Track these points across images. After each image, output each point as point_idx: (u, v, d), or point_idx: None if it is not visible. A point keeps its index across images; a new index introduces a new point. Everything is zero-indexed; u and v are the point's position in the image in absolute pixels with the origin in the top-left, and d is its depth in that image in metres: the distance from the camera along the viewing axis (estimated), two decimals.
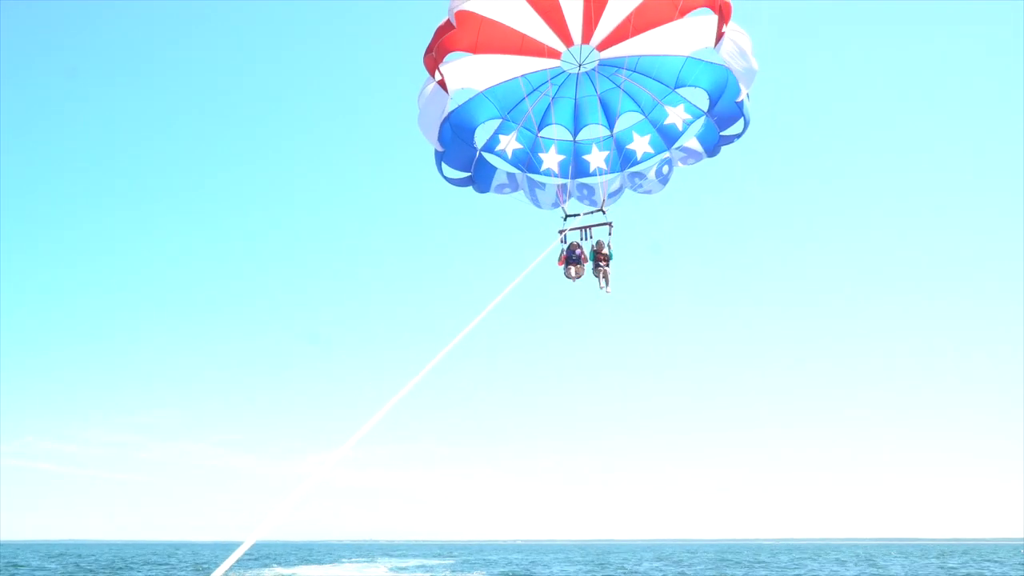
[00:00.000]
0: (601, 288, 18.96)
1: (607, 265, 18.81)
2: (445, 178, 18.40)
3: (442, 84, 16.76)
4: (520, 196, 18.97)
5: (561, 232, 18.73)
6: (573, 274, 18.79)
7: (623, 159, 18.92)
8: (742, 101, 17.03)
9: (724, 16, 16.23)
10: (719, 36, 16.21)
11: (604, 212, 18.72)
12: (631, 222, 20.02)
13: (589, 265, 18.99)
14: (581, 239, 18.93)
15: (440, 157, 17.94)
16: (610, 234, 18.84)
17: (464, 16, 16.24)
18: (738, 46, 16.38)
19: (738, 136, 17.81)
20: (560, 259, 18.83)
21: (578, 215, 18.79)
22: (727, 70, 16.69)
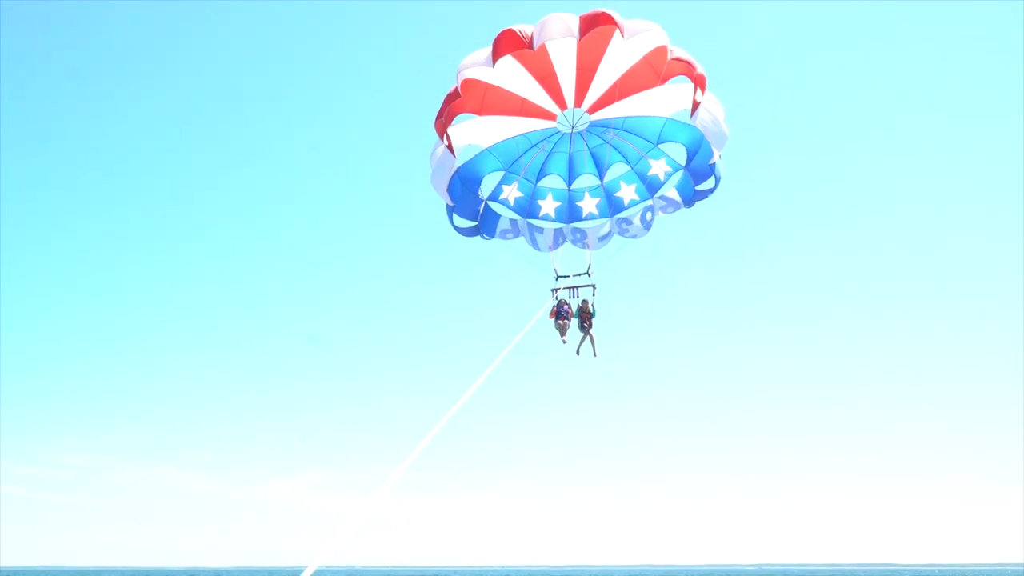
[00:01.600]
0: (586, 351, 22.05)
1: (590, 325, 21.86)
2: (455, 228, 20.69)
3: (450, 148, 18.97)
4: (521, 241, 21.24)
5: (554, 291, 21.69)
6: (560, 326, 21.78)
7: (612, 205, 21.21)
8: (715, 163, 19.41)
9: (700, 86, 18.59)
10: (695, 105, 18.55)
11: (590, 275, 21.71)
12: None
13: (575, 321, 21.92)
14: (570, 297, 21.93)
15: (451, 211, 20.26)
16: (594, 295, 21.87)
17: (470, 84, 18.52)
18: (712, 114, 18.76)
19: (711, 191, 20.21)
20: (552, 312, 21.84)
21: (568, 276, 21.78)
22: (702, 134, 19.04)
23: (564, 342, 21.86)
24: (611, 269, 22.08)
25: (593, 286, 21.75)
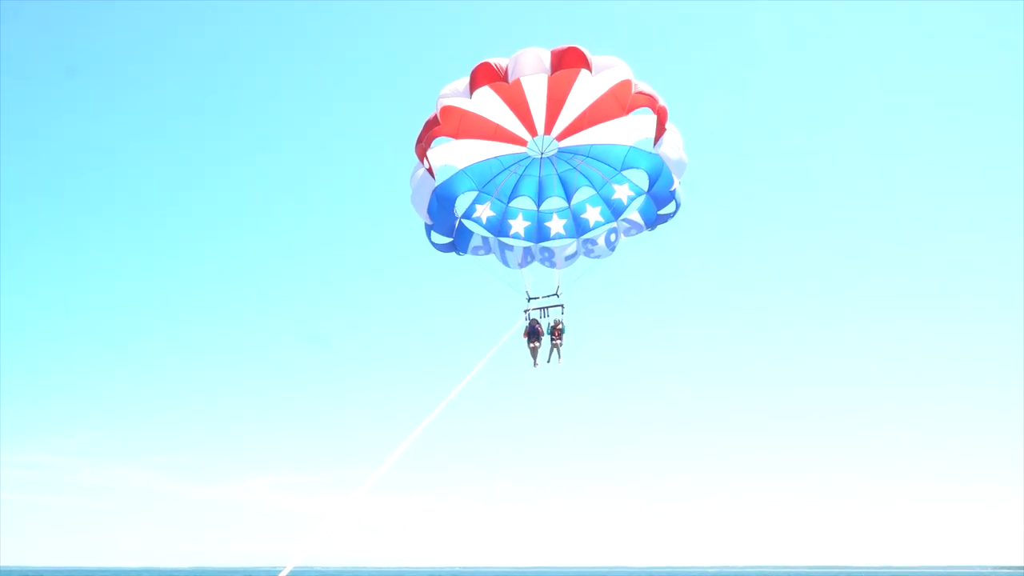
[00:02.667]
0: (553, 360, 23.69)
1: (560, 339, 23.54)
2: (433, 244, 22.02)
3: (430, 171, 20.13)
4: (492, 258, 22.49)
5: (526, 312, 23.29)
6: (532, 350, 23.58)
7: (578, 226, 22.54)
8: (675, 189, 20.79)
9: (661, 118, 19.96)
10: (658, 135, 19.89)
11: (559, 295, 23.31)
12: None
13: (547, 338, 23.61)
14: (541, 317, 23.57)
15: (429, 229, 21.55)
16: (563, 313, 23.54)
17: (448, 110, 19.73)
18: (672, 143, 20.13)
19: (672, 215, 21.61)
20: (524, 333, 23.54)
21: (538, 298, 23.40)
22: (663, 162, 20.41)
23: (535, 365, 23.48)
24: (589, 280, 23.63)
25: (562, 306, 23.39)
